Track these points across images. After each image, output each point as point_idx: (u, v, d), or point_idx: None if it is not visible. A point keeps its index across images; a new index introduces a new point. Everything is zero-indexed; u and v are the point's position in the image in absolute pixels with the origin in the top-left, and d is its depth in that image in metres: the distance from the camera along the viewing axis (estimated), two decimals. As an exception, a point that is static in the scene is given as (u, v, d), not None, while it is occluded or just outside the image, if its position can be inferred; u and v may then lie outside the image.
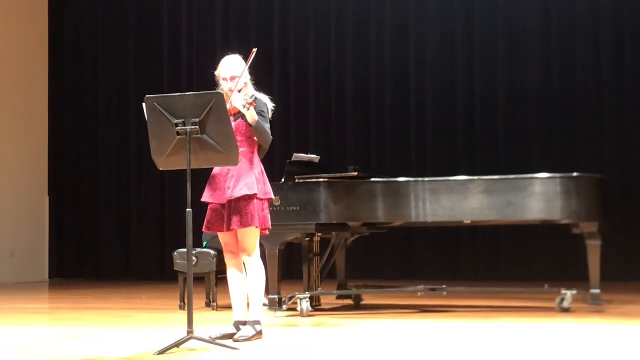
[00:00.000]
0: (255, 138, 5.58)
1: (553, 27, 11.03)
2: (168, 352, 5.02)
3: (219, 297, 7.72)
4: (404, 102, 11.54)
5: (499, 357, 4.99)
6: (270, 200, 5.68)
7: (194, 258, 7.28)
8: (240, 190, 5.48)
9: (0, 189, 11.99)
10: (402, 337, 5.96)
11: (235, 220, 5.48)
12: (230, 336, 5.52)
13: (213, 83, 5.79)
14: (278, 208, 7.20)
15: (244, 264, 5.64)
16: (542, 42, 11.04)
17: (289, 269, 9.48)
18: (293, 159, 7.72)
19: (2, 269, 11.84)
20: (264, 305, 6.98)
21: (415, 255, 11.21)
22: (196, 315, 5.37)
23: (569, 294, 7.10)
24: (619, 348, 5.29)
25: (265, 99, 5.69)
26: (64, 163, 12.88)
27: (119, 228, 12.57)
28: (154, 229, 12.34)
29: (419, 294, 7.53)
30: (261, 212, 5.55)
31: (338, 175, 7.45)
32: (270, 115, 5.68)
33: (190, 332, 5.14)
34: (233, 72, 5.61)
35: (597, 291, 7.24)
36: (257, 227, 5.53)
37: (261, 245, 5.80)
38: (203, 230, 5.68)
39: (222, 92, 5.48)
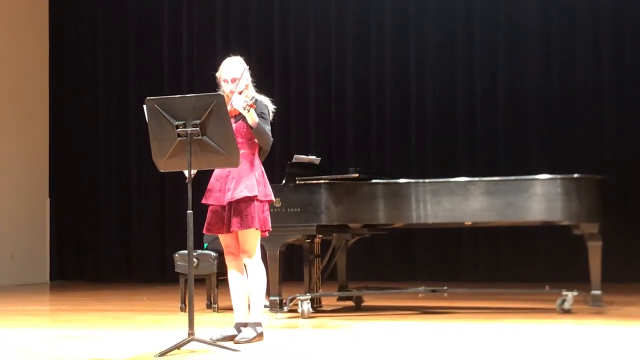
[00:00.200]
0: (256, 140, 5.58)
1: (553, 27, 11.02)
2: (169, 353, 5.03)
3: (220, 299, 7.73)
4: (404, 102, 11.53)
5: (499, 359, 4.99)
6: (270, 202, 5.69)
7: (194, 260, 7.29)
8: (241, 192, 5.48)
9: (1, 190, 11.98)
10: (402, 338, 5.96)
11: (235, 221, 5.48)
12: (231, 338, 5.52)
13: (213, 83, 5.79)
14: (279, 209, 7.20)
15: (245, 265, 5.64)
16: (542, 42, 11.03)
17: (289, 271, 9.46)
18: (293, 160, 7.71)
19: (3, 271, 11.82)
20: (265, 306, 6.98)
21: (416, 256, 11.21)
22: (197, 317, 5.38)
23: (569, 295, 7.10)
24: (619, 349, 5.29)
25: (266, 100, 5.69)
26: (64, 163, 12.87)
27: (120, 229, 12.56)
28: (155, 230, 12.33)
29: (420, 295, 7.52)
30: (261, 214, 5.56)
31: (339, 176, 7.45)
32: (271, 117, 5.69)
33: (191, 333, 5.14)
34: (234, 74, 5.61)
35: (598, 292, 7.23)
36: (257, 229, 5.53)
37: (262, 246, 5.81)
38: (203, 231, 5.69)
39: (222, 93, 5.49)
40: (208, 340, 5.30)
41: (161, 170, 5.48)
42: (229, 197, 5.51)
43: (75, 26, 13.04)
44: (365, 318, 7.16)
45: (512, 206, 7.15)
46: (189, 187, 5.29)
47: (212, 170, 5.65)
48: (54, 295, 10.92)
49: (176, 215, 11.36)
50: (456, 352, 5.28)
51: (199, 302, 7.54)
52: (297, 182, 7.34)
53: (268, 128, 5.60)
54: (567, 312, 7.05)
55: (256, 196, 5.50)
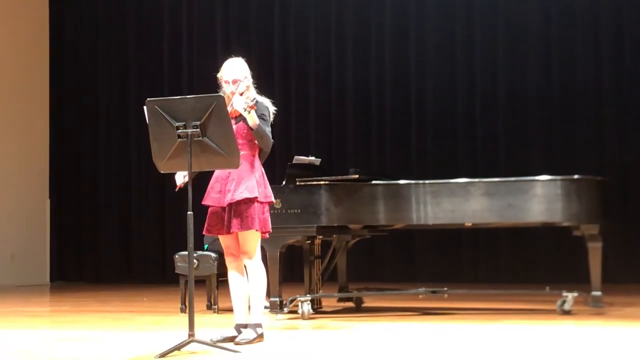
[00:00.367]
0: (256, 141, 5.58)
1: (553, 27, 11.02)
2: (169, 354, 5.02)
3: (220, 300, 7.73)
4: (404, 102, 11.53)
5: (500, 361, 5.00)
6: (270, 204, 5.69)
7: (195, 261, 7.29)
8: (241, 194, 5.48)
9: (1, 190, 11.97)
10: (403, 339, 5.95)
11: (235, 223, 5.48)
12: (232, 339, 5.52)
13: (213, 83, 5.79)
14: (279, 211, 7.20)
15: (245, 266, 5.64)
16: (542, 42, 11.03)
17: (290, 272, 9.45)
18: (294, 161, 7.71)
19: (3, 272, 11.82)
20: (265, 307, 6.97)
21: (416, 257, 11.20)
22: (197, 318, 5.37)
23: (570, 296, 7.09)
24: (620, 350, 5.28)
25: (266, 102, 5.69)
26: (64, 163, 12.87)
27: (120, 230, 12.56)
28: (155, 231, 12.33)
29: (420, 296, 7.51)
30: (261, 215, 5.56)
31: (339, 177, 7.45)
32: (271, 119, 5.68)
33: (191, 334, 5.14)
34: (235, 75, 5.61)
35: (598, 293, 7.23)
36: (257, 230, 5.53)
37: (262, 247, 5.81)
38: (203, 232, 5.69)
39: (223, 94, 5.49)
40: (208, 341, 5.29)
41: (161, 172, 5.48)
42: (229, 198, 5.51)
43: (75, 26, 13.04)
44: (365, 319, 7.16)
45: (512, 207, 7.15)
46: (189, 188, 5.29)
47: (212, 172, 5.65)
48: (54, 296, 10.93)
49: (176, 216, 11.35)
50: (456, 353, 5.28)
51: (199, 303, 7.54)
52: (297, 183, 7.33)
53: (268, 130, 5.60)
54: (567, 313, 7.05)
55: (256, 197, 5.50)
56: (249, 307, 5.65)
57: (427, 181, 7.34)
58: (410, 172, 10.70)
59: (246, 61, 5.71)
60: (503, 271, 10.75)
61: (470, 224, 7.45)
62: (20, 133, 12.33)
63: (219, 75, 5.70)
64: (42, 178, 12.77)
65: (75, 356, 5.24)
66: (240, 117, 5.55)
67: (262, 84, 5.90)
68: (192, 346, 5.15)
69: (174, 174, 5.71)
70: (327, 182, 7.30)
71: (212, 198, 5.59)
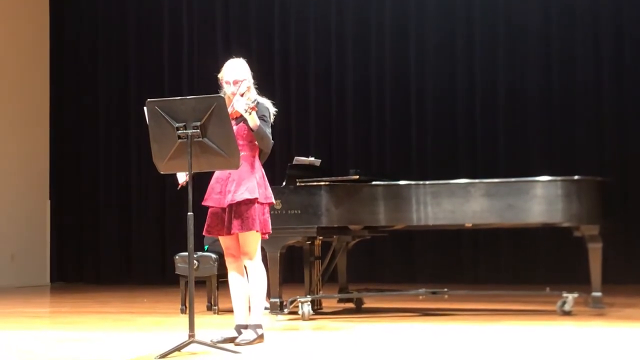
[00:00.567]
0: (256, 142, 5.58)
1: (553, 27, 11.02)
2: (169, 355, 5.03)
3: (220, 301, 7.72)
4: (404, 102, 11.53)
5: (501, 362, 5.00)
6: (271, 205, 5.69)
7: (195, 262, 7.28)
8: (242, 195, 5.48)
9: (1, 191, 11.97)
10: (403, 340, 5.95)
11: (236, 224, 5.48)
12: (232, 340, 5.52)
13: (214, 83, 5.80)
14: (279, 211, 7.19)
15: (245, 267, 5.64)
16: (542, 42, 11.03)
17: (290, 273, 9.45)
18: (294, 162, 7.71)
19: (3, 273, 11.82)
20: (265, 308, 6.97)
21: (417, 258, 11.20)
22: (197, 319, 5.38)
23: (570, 297, 7.09)
24: (620, 351, 5.28)
25: (267, 103, 5.69)
26: (64, 164, 12.87)
27: (120, 230, 12.55)
28: (155, 231, 12.33)
29: (420, 297, 7.50)
30: (262, 216, 5.56)
31: (339, 178, 7.44)
32: (271, 120, 5.69)
33: (191, 335, 5.14)
34: (236, 76, 5.62)
35: (599, 294, 7.22)
36: (258, 231, 5.53)
37: (262, 248, 5.81)
38: (203, 233, 5.69)
39: (223, 95, 5.49)
40: (208, 342, 5.29)
41: (161, 172, 5.48)
42: (229, 199, 5.51)
43: (75, 26, 13.04)
44: (365, 320, 7.16)
45: (513, 208, 7.14)
46: (190, 188, 5.29)
47: (213, 172, 5.65)
48: (54, 297, 10.92)
49: (176, 217, 11.35)
50: (457, 353, 5.28)
51: (200, 304, 7.53)
52: (298, 184, 7.33)
53: (269, 131, 5.60)
54: (567, 314, 7.05)
55: (257, 198, 5.50)
56: (249, 308, 5.65)
57: (427, 182, 7.34)
58: (411, 172, 10.70)
59: (246, 61, 5.71)
60: (503, 272, 10.75)
61: (470, 225, 7.44)
62: (20, 133, 12.33)
63: (219, 75, 5.71)
64: (42, 178, 12.77)
65: (75, 357, 5.24)
66: (240, 118, 5.55)
67: (262, 84, 5.90)
68: (193, 347, 5.15)
69: (175, 173, 5.71)
70: (327, 183, 7.30)
71: (212, 199, 5.59)
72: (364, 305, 8.03)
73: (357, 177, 7.36)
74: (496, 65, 11.19)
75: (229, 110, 5.38)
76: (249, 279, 5.63)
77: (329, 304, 8.07)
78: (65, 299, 10.41)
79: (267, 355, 5.21)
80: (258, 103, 5.57)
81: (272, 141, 5.64)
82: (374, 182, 7.40)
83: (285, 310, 7.32)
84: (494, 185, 7.22)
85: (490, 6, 11.23)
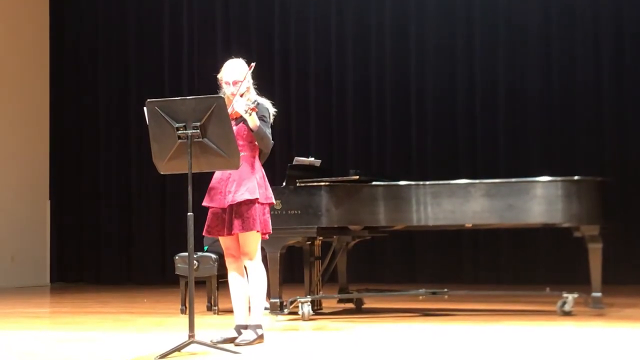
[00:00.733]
0: (256, 142, 5.58)
1: (553, 27, 11.02)
2: (169, 356, 5.03)
3: (220, 301, 7.72)
4: (404, 102, 11.53)
5: (501, 363, 5.00)
6: (271, 205, 5.69)
7: (195, 262, 7.28)
8: (242, 195, 5.48)
9: (1, 191, 11.96)
10: (403, 340, 5.95)
11: (236, 224, 5.48)
12: (232, 340, 5.52)
13: (213, 83, 5.79)
14: (279, 212, 7.19)
15: (245, 267, 5.64)
16: (542, 42, 11.03)
17: (290, 273, 9.45)
18: (294, 162, 7.71)
19: (3, 273, 11.81)
20: (265, 309, 6.97)
21: (417, 258, 11.20)
22: (197, 319, 5.38)
23: (570, 297, 7.09)
24: (620, 352, 5.28)
25: (267, 103, 5.69)
26: (64, 164, 12.87)
27: (120, 230, 12.55)
28: (155, 231, 12.32)
29: (421, 297, 7.50)
30: (262, 217, 5.56)
31: (339, 178, 7.44)
32: (271, 120, 5.68)
33: (191, 336, 5.14)
34: (236, 76, 5.61)
35: (599, 294, 7.22)
36: (258, 232, 5.53)
37: (262, 249, 5.81)
38: (203, 234, 5.69)
39: (223, 95, 5.49)
40: (208, 342, 5.29)
41: (161, 173, 5.48)
42: (229, 199, 5.51)
43: (75, 26, 13.04)
44: (365, 320, 7.16)
45: (513, 208, 7.14)
46: (190, 188, 5.29)
47: (213, 173, 5.65)
48: (54, 297, 10.91)
49: (176, 217, 11.35)
50: (457, 354, 5.28)
51: (200, 305, 7.54)
52: (298, 184, 7.33)
53: (269, 131, 5.60)
54: (567, 314, 7.05)
55: (257, 199, 5.50)
56: (249, 308, 5.65)
57: (427, 182, 7.34)
58: (411, 172, 10.71)
59: (247, 62, 5.71)
60: (503, 272, 10.75)
61: (470, 225, 7.44)
62: (20, 133, 12.33)
63: (219, 76, 5.70)
64: (42, 178, 12.76)
65: (75, 357, 5.24)
66: (240, 119, 5.55)
67: (262, 84, 5.90)
68: (192, 347, 5.15)
69: (175, 174, 5.71)
70: (327, 183, 7.30)
71: (212, 199, 5.59)
72: (364, 306, 8.03)
73: (357, 177, 7.37)
74: (496, 65, 11.19)
75: (229, 110, 5.37)
76: (249, 279, 5.63)
77: (329, 304, 8.07)
78: (65, 299, 10.41)
79: (267, 356, 5.20)
80: (258, 104, 5.57)
81: (272, 141, 5.64)
82: (374, 183, 7.40)
83: (285, 311, 7.32)
84: (494, 186, 7.22)
85: (490, 6, 11.23)
